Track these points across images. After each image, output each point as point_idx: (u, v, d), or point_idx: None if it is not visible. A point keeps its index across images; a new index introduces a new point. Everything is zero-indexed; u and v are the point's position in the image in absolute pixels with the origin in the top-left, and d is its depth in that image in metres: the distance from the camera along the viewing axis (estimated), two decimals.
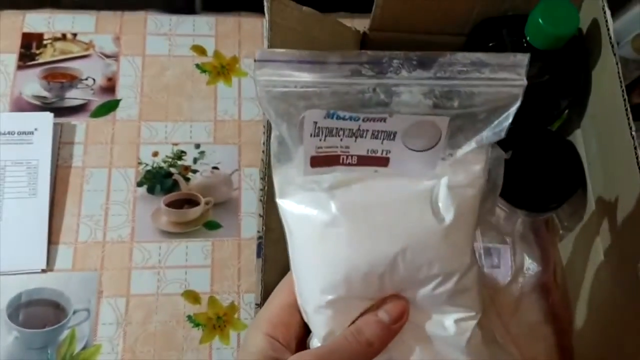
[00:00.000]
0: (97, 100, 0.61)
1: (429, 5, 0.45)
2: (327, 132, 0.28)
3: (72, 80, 0.62)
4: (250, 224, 0.58)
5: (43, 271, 0.54)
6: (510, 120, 0.29)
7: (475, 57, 0.27)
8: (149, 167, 0.59)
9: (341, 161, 0.29)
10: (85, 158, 0.59)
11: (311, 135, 0.28)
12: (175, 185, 0.59)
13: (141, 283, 0.55)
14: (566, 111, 0.48)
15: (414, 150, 0.29)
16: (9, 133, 0.58)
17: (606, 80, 0.42)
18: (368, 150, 0.29)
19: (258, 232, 0.36)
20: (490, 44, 0.44)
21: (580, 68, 0.45)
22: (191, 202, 0.58)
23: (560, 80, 0.45)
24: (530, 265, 0.48)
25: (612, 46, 0.41)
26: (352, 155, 0.29)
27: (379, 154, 0.29)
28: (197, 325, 0.54)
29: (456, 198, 0.29)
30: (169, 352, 0.53)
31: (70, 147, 0.59)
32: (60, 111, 0.60)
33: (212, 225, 0.58)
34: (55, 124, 0.59)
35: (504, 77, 0.28)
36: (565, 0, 0.40)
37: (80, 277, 0.54)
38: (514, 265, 0.47)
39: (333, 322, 0.31)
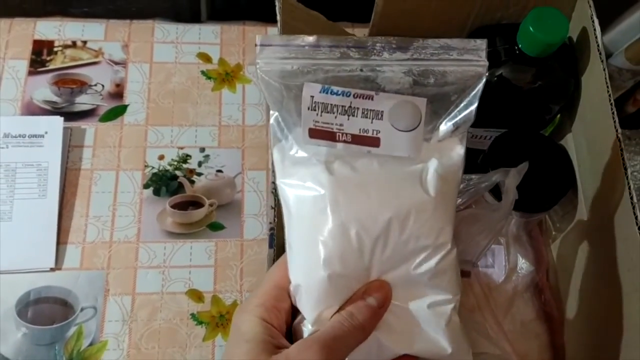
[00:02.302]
0: (106, 106, 0.63)
1: (426, 15, 0.47)
2: (322, 108, 0.31)
3: (82, 86, 0.64)
4: (252, 226, 0.60)
5: (52, 270, 0.56)
6: (477, 101, 0.32)
7: (443, 42, 0.32)
8: (155, 170, 0.61)
9: (337, 138, 0.32)
10: (94, 161, 0.61)
11: (309, 109, 0.31)
12: (180, 188, 0.61)
13: (146, 282, 0.56)
14: (558, 116, 0.50)
15: (400, 131, 0.32)
16: (20, 136, 0.60)
17: (595, 86, 0.44)
18: (360, 130, 0.32)
19: (270, 223, 0.37)
20: None
21: (570, 75, 0.46)
22: (196, 204, 0.60)
23: (552, 86, 0.46)
24: (524, 265, 0.49)
25: (600, 54, 0.43)
26: (346, 134, 0.32)
27: (370, 134, 0.32)
28: (200, 323, 0.55)
29: (441, 179, 0.32)
30: (173, 349, 0.54)
31: (79, 150, 0.61)
32: (70, 116, 0.62)
33: (215, 227, 0.59)
34: (65, 128, 0.60)
35: (469, 59, 0.32)
36: (555, 10, 0.42)
37: (88, 275, 0.56)
38: (508, 265, 0.49)
39: (324, 303, 0.32)
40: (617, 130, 0.40)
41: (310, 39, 0.32)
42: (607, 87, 0.41)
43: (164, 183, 0.61)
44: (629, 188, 0.39)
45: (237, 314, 0.33)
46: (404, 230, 0.32)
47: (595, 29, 0.43)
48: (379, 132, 0.32)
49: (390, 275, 0.32)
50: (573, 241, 0.48)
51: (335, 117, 0.32)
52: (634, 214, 0.38)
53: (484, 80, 0.32)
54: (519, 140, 0.47)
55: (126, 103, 0.64)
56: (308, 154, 0.32)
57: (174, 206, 0.59)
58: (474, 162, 0.49)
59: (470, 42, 0.33)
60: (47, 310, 0.54)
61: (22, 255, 0.55)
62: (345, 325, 0.31)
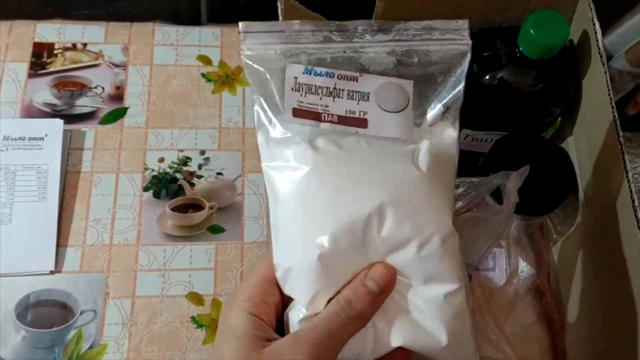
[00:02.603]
0: (106, 108, 0.63)
1: (427, 17, 0.47)
2: (306, 89, 0.31)
3: (82, 88, 0.64)
4: (252, 228, 0.60)
5: (51, 273, 0.55)
6: (464, 80, 0.32)
7: (425, 23, 0.33)
8: (155, 173, 0.61)
9: (322, 118, 0.32)
10: (94, 163, 0.60)
11: (292, 90, 0.31)
12: (180, 190, 0.60)
13: (146, 285, 0.56)
14: (559, 119, 0.50)
15: (388, 112, 0.32)
16: (19, 139, 0.59)
17: (596, 89, 0.44)
18: (346, 111, 0.32)
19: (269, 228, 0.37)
20: (485, 54, 0.46)
21: (571, 77, 0.46)
22: (196, 206, 0.60)
23: (553, 89, 0.46)
24: (525, 268, 0.49)
25: (601, 57, 0.43)
26: (331, 114, 0.32)
27: (356, 115, 0.32)
28: (200, 326, 0.55)
29: (434, 159, 0.31)
30: (172, 352, 0.54)
31: (79, 153, 0.61)
32: (70, 118, 0.62)
33: (215, 229, 0.59)
34: (65, 130, 0.60)
35: (451, 38, 0.32)
36: (556, 13, 0.42)
37: (88, 278, 0.56)
38: (509, 268, 0.49)
39: (318, 285, 0.30)
40: (618, 134, 0.40)
41: (293, 24, 0.32)
42: (608, 89, 0.41)
43: (164, 186, 0.60)
44: (631, 191, 0.39)
45: (224, 309, 0.32)
46: (398, 209, 0.30)
47: (596, 32, 0.43)
48: (366, 113, 0.32)
49: (389, 258, 0.31)
50: (574, 244, 0.48)
51: (320, 99, 0.32)
52: (636, 216, 0.38)
53: (469, 58, 0.32)
54: (520, 143, 0.47)
55: (126, 105, 0.64)
56: (292, 133, 0.32)
57: (174, 209, 0.59)
58: (475, 165, 0.49)
59: (452, 22, 0.33)
60: (47, 313, 0.54)
61: (22, 258, 0.55)
62: (342, 316, 0.29)
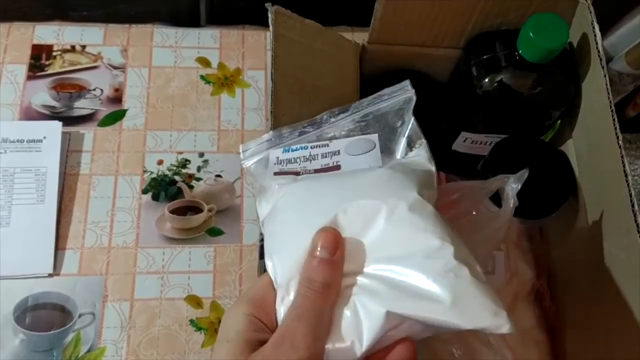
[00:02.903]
0: (105, 110, 0.63)
1: (426, 20, 0.47)
2: (286, 162, 0.38)
3: (81, 90, 0.64)
4: (251, 231, 0.59)
5: (50, 275, 0.55)
6: (412, 115, 0.37)
7: (375, 94, 0.38)
8: (154, 175, 0.61)
9: (300, 173, 0.37)
10: (93, 166, 0.60)
11: (274, 164, 0.38)
12: (179, 193, 0.60)
13: (145, 288, 0.56)
14: (558, 122, 0.50)
15: (358, 155, 0.37)
16: (18, 141, 0.59)
17: (595, 92, 0.44)
18: (322, 165, 0.37)
19: (260, 234, 0.38)
20: (484, 57, 0.46)
21: (571, 80, 0.46)
22: (194, 209, 0.60)
23: (552, 92, 0.46)
24: (524, 272, 0.49)
25: (601, 60, 0.42)
26: (309, 170, 0.37)
27: (330, 165, 0.37)
28: (199, 329, 0.55)
29: (404, 166, 0.35)
30: (171, 355, 0.54)
31: (78, 155, 0.61)
32: (68, 120, 0.62)
33: (214, 232, 0.59)
34: (63, 133, 0.60)
35: (398, 94, 0.38)
36: (556, 15, 0.42)
37: (86, 281, 0.56)
38: (508, 272, 0.49)
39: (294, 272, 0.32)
40: (618, 137, 0.40)
41: (275, 132, 0.39)
42: (608, 93, 0.41)
43: (163, 188, 0.60)
44: (630, 195, 0.39)
45: (225, 314, 0.32)
46: (359, 196, 0.32)
47: (595, 35, 0.43)
48: (339, 161, 0.37)
49: (364, 236, 0.31)
50: (574, 247, 0.48)
51: (299, 165, 0.37)
52: (635, 220, 0.38)
53: (414, 101, 0.37)
54: (520, 146, 0.47)
55: (125, 108, 0.63)
56: (274, 187, 0.36)
57: (172, 211, 0.59)
58: (474, 168, 0.49)
59: (396, 86, 0.38)
60: (45, 317, 0.54)
61: (20, 260, 0.55)
62: (309, 295, 0.29)
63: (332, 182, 0.35)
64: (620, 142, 0.40)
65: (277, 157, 0.38)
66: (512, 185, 0.38)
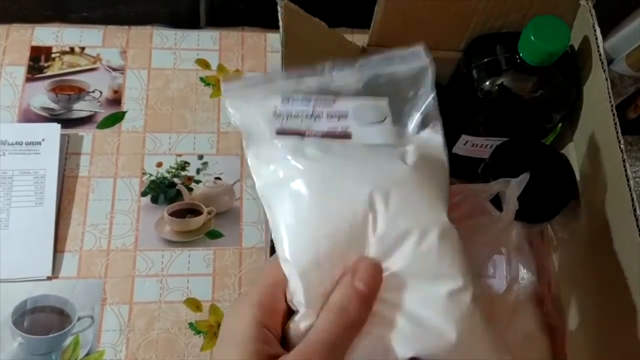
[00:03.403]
0: (104, 112, 0.63)
1: (426, 22, 0.47)
2: (287, 115, 0.33)
3: (80, 92, 0.64)
4: (251, 234, 0.59)
5: (48, 278, 0.55)
6: (434, 90, 0.33)
7: (385, 54, 0.34)
8: (153, 177, 0.61)
9: (306, 134, 0.33)
10: (91, 168, 0.60)
11: (273, 117, 0.33)
12: (178, 195, 0.60)
13: (144, 291, 0.56)
14: (559, 125, 0.49)
15: (369, 124, 0.33)
16: (17, 143, 0.59)
17: (597, 95, 0.43)
18: (329, 128, 0.33)
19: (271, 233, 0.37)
20: (485, 60, 0.46)
21: (572, 83, 0.46)
22: (194, 211, 0.59)
23: (553, 95, 0.46)
24: (525, 275, 0.49)
25: (602, 63, 0.42)
26: (315, 131, 0.33)
27: (339, 130, 0.33)
28: (198, 332, 0.55)
29: (423, 158, 0.32)
30: (170, 358, 0.54)
31: (76, 158, 0.60)
32: (67, 122, 0.61)
33: (214, 235, 0.59)
34: (62, 135, 0.60)
35: (411, 59, 0.34)
36: (557, 18, 0.42)
37: (85, 284, 0.55)
38: (509, 275, 0.48)
39: (317, 288, 0.30)
40: (619, 141, 0.40)
41: (267, 75, 0.35)
42: (609, 96, 0.41)
43: (162, 190, 0.60)
44: (632, 199, 0.39)
45: (230, 311, 0.30)
46: (390, 201, 0.30)
47: (597, 38, 0.43)
48: (348, 127, 0.33)
49: (388, 257, 0.30)
50: (575, 251, 0.48)
51: (302, 122, 0.33)
52: (637, 224, 0.38)
53: (431, 71, 0.33)
54: (520, 150, 0.47)
55: (124, 110, 0.63)
56: (278, 149, 0.32)
57: (172, 214, 0.59)
58: (475, 171, 0.48)
59: (408, 49, 0.34)
60: (44, 320, 0.54)
61: (19, 263, 0.55)
62: (338, 324, 0.28)
63: (350, 167, 0.31)
64: (621, 145, 0.39)
65: (276, 108, 0.33)
66: (513, 189, 0.38)
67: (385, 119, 0.33)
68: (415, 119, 0.34)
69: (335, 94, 0.34)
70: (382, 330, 0.30)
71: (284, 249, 0.30)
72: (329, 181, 0.31)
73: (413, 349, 0.30)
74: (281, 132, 0.33)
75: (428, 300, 0.30)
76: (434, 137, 0.34)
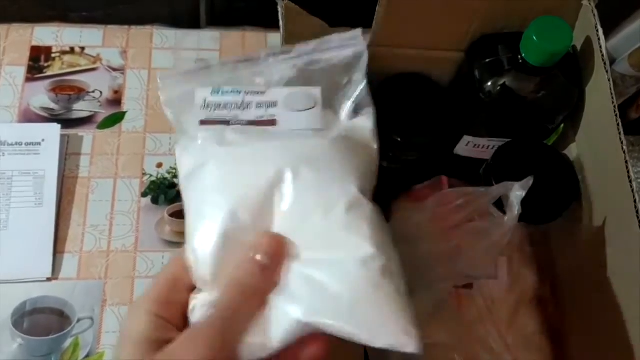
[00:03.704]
0: (104, 113, 0.63)
1: (428, 22, 0.47)
2: (215, 106, 0.33)
3: (80, 92, 0.63)
4: None
5: (48, 280, 0.55)
6: (365, 78, 0.34)
7: (321, 39, 0.34)
8: (153, 178, 0.60)
9: (230, 123, 0.33)
10: (91, 169, 0.60)
11: (201, 108, 0.33)
12: (178, 196, 0.60)
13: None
14: (562, 126, 0.49)
15: (297, 111, 0.33)
16: (16, 144, 0.59)
17: (599, 96, 0.43)
18: (255, 116, 0.33)
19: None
20: (487, 60, 0.46)
21: (574, 84, 0.46)
22: None
23: (556, 96, 0.46)
24: (527, 277, 0.49)
25: (605, 63, 0.42)
26: (240, 120, 0.33)
27: (265, 118, 0.33)
28: None
29: (345, 138, 0.32)
30: None
31: (76, 158, 0.60)
32: (67, 123, 0.61)
33: None
34: (62, 135, 0.60)
35: (347, 45, 0.34)
36: (559, 19, 0.41)
37: (85, 285, 0.55)
38: (511, 277, 0.48)
39: (220, 264, 0.29)
40: (622, 142, 0.40)
41: (202, 64, 0.34)
42: (612, 97, 0.41)
43: (163, 191, 0.60)
44: (635, 200, 0.39)
45: (128, 310, 0.31)
46: (298, 180, 0.30)
47: (599, 38, 0.43)
48: (275, 115, 0.33)
49: (295, 231, 0.30)
50: (577, 253, 0.48)
51: (230, 111, 0.33)
52: (639, 225, 0.38)
53: (365, 57, 0.33)
54: (523, 151, 0.47)
55: (124, 110, 0.63)
56: (198, 137, 0.32)
57: (172, 215, 0.59)
58: (477, 172, 0.48)
59: (346, 33, 0.34)
60: (44, 321, 0.54)
61: (19, 264, 0.55)
62: (236, 298, 0.28)
63: (261, 146, 0.31)
64: (624, 147, 0.39)
65: (205, 99, 0.33)
66: (516, 193, 0.37)
67: (314, 105, 0.33)
68: (346, 107, 0.34)
69: (267, 85, 0.34)
70: (287, 300, 0.29)
71: (191, 233, 0.30)
72: (239, 162, 0.31)
73: (303, 312, 0.29)
74: (205, 122, 0.32)
75: (333, 269, 0.29)
76: (365, 123, 0.34)
